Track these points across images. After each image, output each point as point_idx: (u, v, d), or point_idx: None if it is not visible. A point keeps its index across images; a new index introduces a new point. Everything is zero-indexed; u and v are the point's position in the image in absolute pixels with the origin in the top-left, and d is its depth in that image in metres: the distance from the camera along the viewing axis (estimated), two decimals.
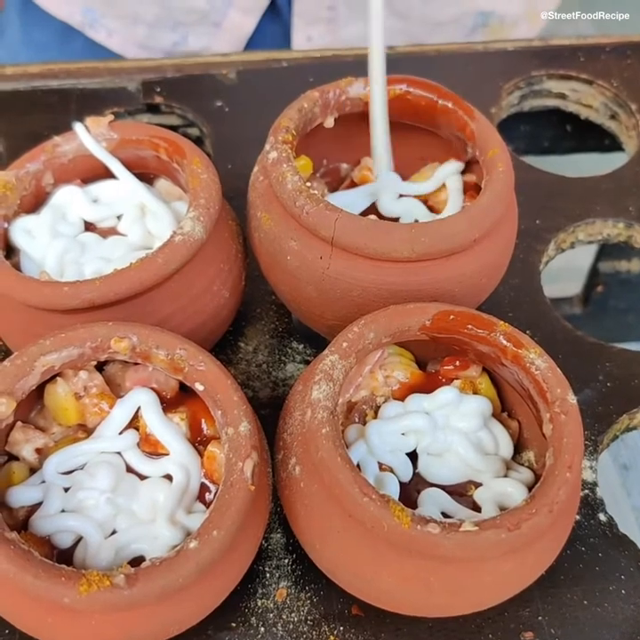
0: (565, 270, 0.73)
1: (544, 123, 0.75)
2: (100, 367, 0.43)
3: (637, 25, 0.80)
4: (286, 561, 0.45)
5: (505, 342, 0.41)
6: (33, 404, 0.43)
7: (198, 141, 0.64)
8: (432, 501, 0.41)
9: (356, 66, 0.68)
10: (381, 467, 0.41)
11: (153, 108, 0.66)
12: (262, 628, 0.42)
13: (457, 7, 0.81)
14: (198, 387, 0.40)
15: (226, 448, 0.38)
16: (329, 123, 0.50)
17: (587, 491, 0.47)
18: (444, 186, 0.51)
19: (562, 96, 0.70)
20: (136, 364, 0.42)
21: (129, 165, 0.50)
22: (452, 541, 0.35)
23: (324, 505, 0.38)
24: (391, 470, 0.42)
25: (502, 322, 0.42)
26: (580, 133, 0.75)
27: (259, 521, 0.40)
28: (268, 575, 0.44)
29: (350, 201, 0.50)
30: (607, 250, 0.77)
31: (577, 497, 0.41)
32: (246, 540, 0.39)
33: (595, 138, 0.74)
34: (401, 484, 0.41)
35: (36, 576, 0.34)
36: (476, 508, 0.41)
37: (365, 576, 0.38)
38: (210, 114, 0.65)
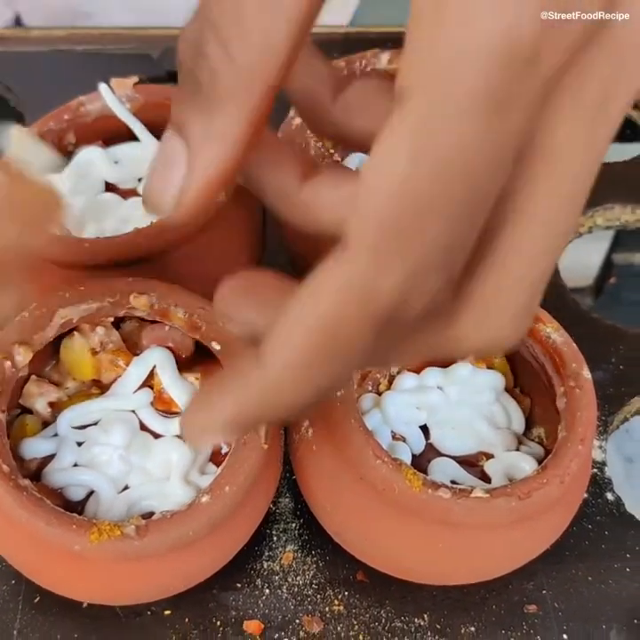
0: (577, 262, 0.73)
1: None
2: (117, 325, 0.44)
3: None
4: (293, 525, 0.45)
5: None
6: (48, 358, 0.43)
7: None
8: (441, 470, 0.41)
9: (380, 43, 0.68)
10: (394, 436, 0.42)
11: (175, 77, 0.66)
12: (267, 590, 0.43)
13: None
14: (214, 346, 0.40)
15: None
16: None
17: (595, 470, 0.47)
18: None
19: None
20: (153, 322, 0.43)
21: (152, 128, 0.50)
22: (463, 507, 0.35)
23: (336, 467, 0.39)
24: (404, 440, 0.42)
25: None
26: None
27: (270, 481, 0.40)
28: (274, 538, 0.44)
29: None
30: (621, 242, 0.77)
31: (587, 472, 0.41)
32: (257, 498, 0.39)
33: None
34: (413, 455, 0.41)
35: (48, 522, 0.34)
36: (486, 479, 0.41)
37: (373, 539, 0.38)
38: None
